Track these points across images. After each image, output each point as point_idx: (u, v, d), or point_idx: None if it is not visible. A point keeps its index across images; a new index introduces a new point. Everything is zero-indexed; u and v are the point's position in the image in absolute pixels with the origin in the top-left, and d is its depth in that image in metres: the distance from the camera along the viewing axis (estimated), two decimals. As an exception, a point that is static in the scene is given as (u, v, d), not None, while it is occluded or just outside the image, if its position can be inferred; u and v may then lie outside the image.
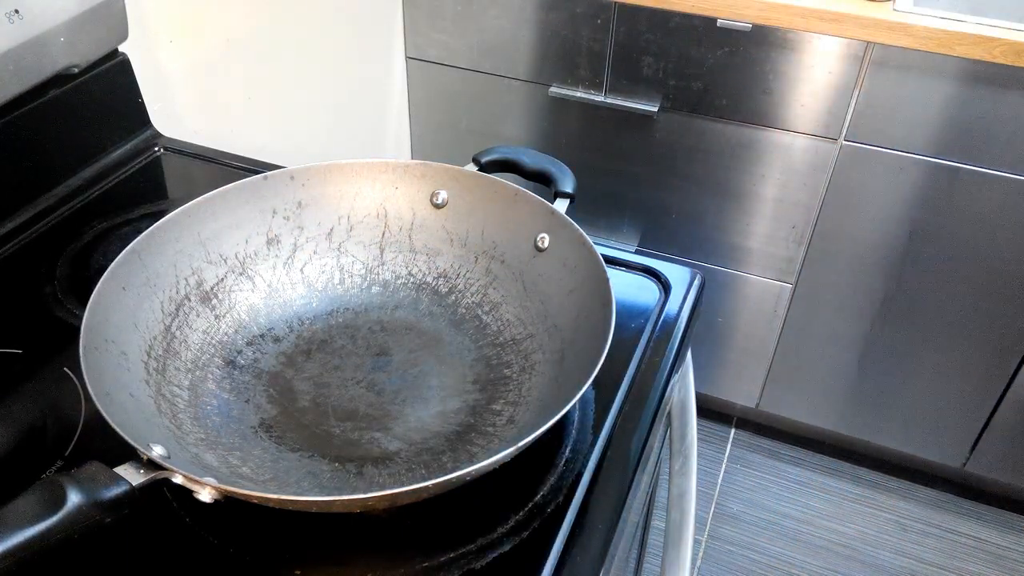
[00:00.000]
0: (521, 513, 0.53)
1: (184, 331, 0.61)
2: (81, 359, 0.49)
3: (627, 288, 0.71)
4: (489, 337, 0.65)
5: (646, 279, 0.73)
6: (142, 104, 0.89)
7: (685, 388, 0.76)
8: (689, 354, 0.73)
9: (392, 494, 0.45)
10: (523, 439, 0.48)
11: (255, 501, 0.46)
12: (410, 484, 0.45)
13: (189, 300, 0.62)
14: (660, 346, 0.66)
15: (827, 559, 1.54)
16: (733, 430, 1.77)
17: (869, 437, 1.61)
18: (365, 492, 0.45)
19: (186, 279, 0.62)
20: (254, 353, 0.63)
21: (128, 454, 0.45)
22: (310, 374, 0.62)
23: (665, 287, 0.71)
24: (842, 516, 1.61)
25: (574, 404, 0.49)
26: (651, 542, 0.98)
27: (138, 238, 0.59)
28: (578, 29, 1.34)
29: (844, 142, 1.29)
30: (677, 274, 0.73)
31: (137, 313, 0.58)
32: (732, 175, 1.40)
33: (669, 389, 0.65)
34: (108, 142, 0.86)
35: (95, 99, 0.83)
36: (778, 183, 1.38)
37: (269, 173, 0.67)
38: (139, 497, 0.45)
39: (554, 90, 1.42)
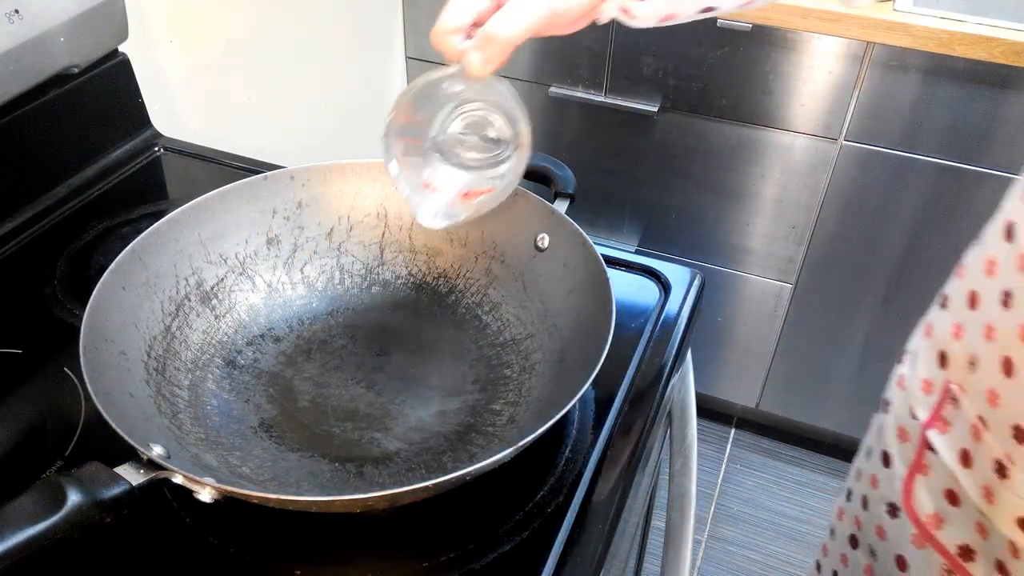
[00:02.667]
0: (521, 513, 0.53)
1: (184, 331, 0.61)
2: (81, 359, 0.49)
3: (627, 288, 0.71)
4: (489, 337, 0.65)
5: (646, 279, 0.73)
6: (142, 104, 0.89)
7: (685, 388, 0.76)
8: (689, 354, 0.73)
9: (392, 494, 0.45)
10: (523, 439, 0.48)
11: (255, 501, 0.46)
12: (410, 484, 0.45)
13: (189, 300, 0.62)
14: (660, 346, 0.66)
15: (827, 559, 1.54)
16: (733, 430, 1.77)
17: (869, 437, 1.61)
18: (365, 492, 0.45)
19: (186, 279, 0.62)
20: (254, 353, 0.63)
21: (128, 454, 0.45)
22: (310, 374, 0.62)
23: (665, 287, 0.71)
24: (842, 516, 1.61)
25: (574, 404, 0.49)
26: (651, 542, 0.98)
27: (138, 238, 0.59)
28: (578, 29, 1.34)
29: (844, 142, 1.29)
30: (677, 274, 0.73)
31: (137, 313, 0.58)
32: (732, 175, 1.40)
33: (669, 389, 0.65)
34: (108, 142, 0.86)
35: (95, 99, 0.83)
36: (778, 183, 1.38)
37: (269, 173, 0.67)
38: (139, 497, 0.44)
39: (554, 90, 1.42)
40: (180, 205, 0.62)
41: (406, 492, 0.45)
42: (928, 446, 0.61)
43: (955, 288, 0.60)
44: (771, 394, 1.64)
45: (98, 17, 0.79)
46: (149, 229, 0.60)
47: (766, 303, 1.52)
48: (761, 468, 1.70)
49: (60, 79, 0.78)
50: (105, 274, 0.56)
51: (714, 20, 1.25)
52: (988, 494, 0.55)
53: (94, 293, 0.54)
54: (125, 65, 0.85)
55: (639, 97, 1.38)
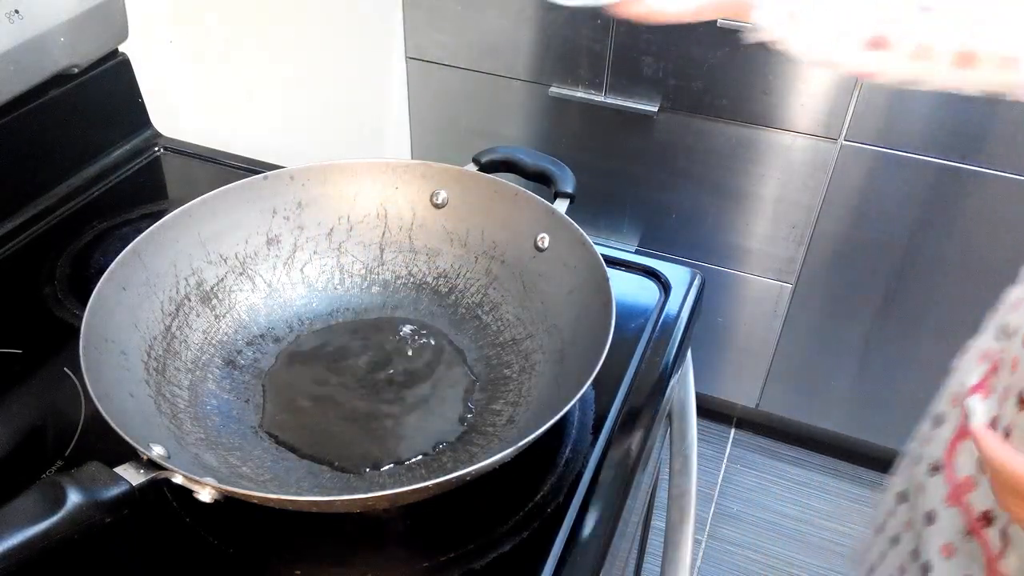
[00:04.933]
0: (521, 513, 0.53)
1: (184, 331, 0.61)
2: (81, 359, 0.49)
3: (627, 288, 0.71)
4: (489, 337, 0.65)
5: (646, 279, 0.73)
6: (142, 104, 0.89)
7: (685, 388, 0.76)
8: (689, 354, 0.73)
9: (392, 494, 0.45)
10: (523, 439, 0.48)
11: (255, 501, 0.46)
12: (410, 484, 0.45)
13: (189, 300, 0.62)
14: (660, 346, 0.66)
15: (827, 559, 1.54)
16: (733, 430, 1.77)
17: (869, 437, 1.61)
18: (365, 492, 0.45)
19: (186, 279, 0.62)
20: (254, 353, 0.63)
21: (128, 454, 0.45)
22: (310, 374, 0.62)
23: (665, 287, 0.71)
24: (842, 516, 1.61)
25: (574, 404, 0.49)
26: (651, 542, 0.98)
27: (138, 238, 0.59)
28: (578, 29, 1.34)
29: (844, 142, 1.29)
30: (677, 274, 0.73)
31: (137, 313, 0.58)
32: (732, 175, 1.40)
33: (669, 389, 0.65)
34: (108, 142, 0.86)
35: (95, 99, 0.83)
36: (778, 183, 1.38)
37: (269, 173, 0.67)
38: (139, 497, 0.45)
39: (554, 90, 1.42)
40: (180, 205, 0.62)
41: (406, 492, 0.45)
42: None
43: None
44: (771, 394, 1.64)
45: (98, 17, 0.79)
46: (149, 229, 0.60)
47: (766, 303, 1.52)
48: (761, 468, 1.70)
49: (60, 79, 0.78)
50: (105, 274, 0.56)
51: (714, 20, 1.25)
52: None
53: (94, 293, 0.54)
54: (125, 65, 0.85)
55: (639, 97, 1.38)
